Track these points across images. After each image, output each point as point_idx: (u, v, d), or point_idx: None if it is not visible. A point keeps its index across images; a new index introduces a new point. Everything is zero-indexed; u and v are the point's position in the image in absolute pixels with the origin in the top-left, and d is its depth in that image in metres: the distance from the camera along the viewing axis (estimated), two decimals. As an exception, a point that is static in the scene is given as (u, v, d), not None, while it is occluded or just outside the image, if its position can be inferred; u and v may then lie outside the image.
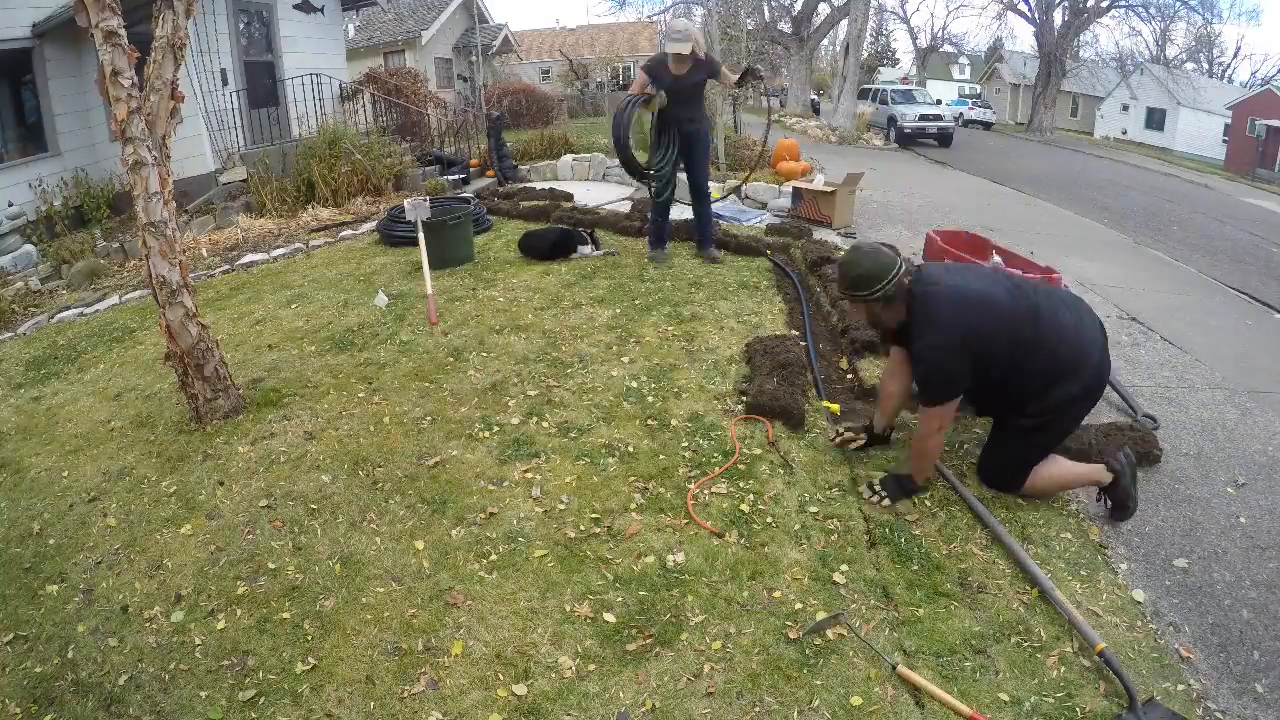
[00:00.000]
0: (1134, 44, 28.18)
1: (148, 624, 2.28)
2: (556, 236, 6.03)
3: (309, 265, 6.32)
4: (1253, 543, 2.60)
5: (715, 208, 6.98)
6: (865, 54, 26.78)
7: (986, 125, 29.64)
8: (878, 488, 2.76)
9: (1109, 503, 2.69)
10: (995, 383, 2.57)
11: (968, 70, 44.94)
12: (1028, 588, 2.30)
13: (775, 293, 5.06)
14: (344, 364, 4.09)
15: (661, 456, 3.04)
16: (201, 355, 3.39)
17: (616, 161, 10.45)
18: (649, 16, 31.45)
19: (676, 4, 26.10)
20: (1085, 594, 2.30)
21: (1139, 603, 2.29)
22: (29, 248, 7.20)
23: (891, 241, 6.21)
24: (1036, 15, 26.21)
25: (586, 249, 5.94)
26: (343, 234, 7.35)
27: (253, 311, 5.11)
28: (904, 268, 2.58)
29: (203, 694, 2.01)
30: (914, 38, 38.70)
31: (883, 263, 2.56)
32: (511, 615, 2.24)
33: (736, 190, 8.14)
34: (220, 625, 2.24)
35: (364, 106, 11.18)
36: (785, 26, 24.58)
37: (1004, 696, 1.92)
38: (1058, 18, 25.82)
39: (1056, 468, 2.69)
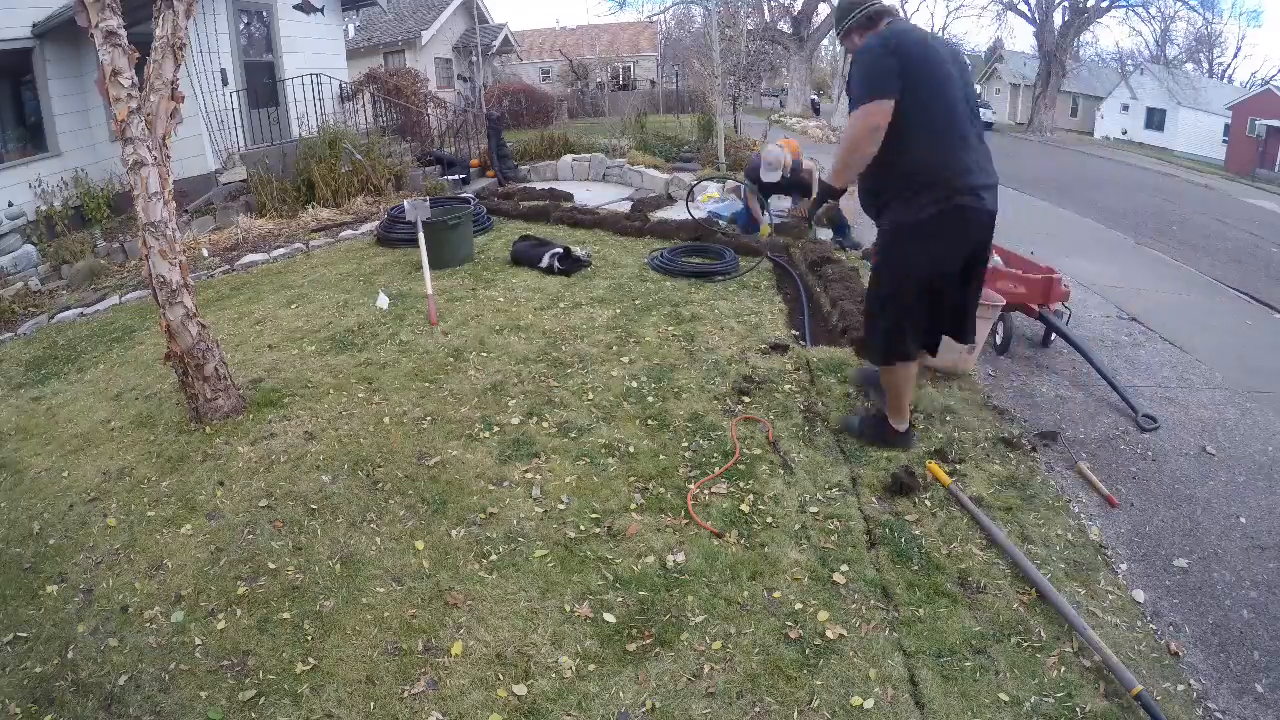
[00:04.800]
0: (1134, 44, 28.25)
1: (148, 624, 2.27)
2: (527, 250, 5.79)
3: (309, 265, 6.32)
4: (1253, 543, 2.60)
5: (715, 208, 7.00)
6: (865, 54, 26.71)
7: (986, 125, 29.41)
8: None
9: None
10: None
11: (967, 70, 44.85)
12: (1027, 587, 2.30)
13: (775, 293, 5.06)
14: (344, 364, 4.08)
15: (661, 456, 3.04)
16: (201, 355, 3.39)
17: (616, 162, 10.51)
18: (649, 17, 31.50)
19: (676, 4, 26.14)
20: (1085, 594, 2.30)
21: (1139, 603, 2.29)
22: (29, 248, 7.20)
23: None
24: (1036, 15, 26.24)
25: (543, 263, 5.61)
26: (343, 234, 7.35)
27: (253, 311, 5.11)
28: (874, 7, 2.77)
29: (203, 694, 2.01)
30: (914, 38, 38.62)
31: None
32: (511, 615, 2.24)
33: (737, 190, 8.15)
34: (220, 625, 2.24)
35: (364, 106, 11.17)
36: (785, 26, 24.60)
37: (1004, 696, 1.92)
38: (1058, 18, 25.86)
39: (905, 375, 2.89)
